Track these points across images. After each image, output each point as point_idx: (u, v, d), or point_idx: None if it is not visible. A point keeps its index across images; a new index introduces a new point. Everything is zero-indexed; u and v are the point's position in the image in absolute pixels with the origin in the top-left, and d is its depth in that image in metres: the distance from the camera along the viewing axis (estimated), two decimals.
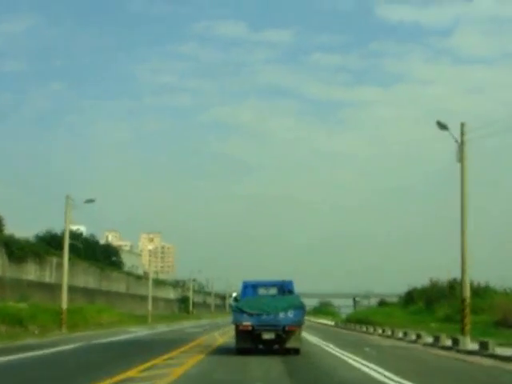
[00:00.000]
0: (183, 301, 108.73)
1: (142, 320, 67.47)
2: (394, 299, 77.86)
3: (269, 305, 21.28)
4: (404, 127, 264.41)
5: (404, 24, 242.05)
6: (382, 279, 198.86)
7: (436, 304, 50.73)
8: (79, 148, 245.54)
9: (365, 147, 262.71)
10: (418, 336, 32.68)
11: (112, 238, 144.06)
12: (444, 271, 55.83)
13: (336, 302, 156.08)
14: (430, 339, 30.91)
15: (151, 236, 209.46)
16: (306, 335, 36.50)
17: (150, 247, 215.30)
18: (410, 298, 61.93)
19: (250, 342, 21.54)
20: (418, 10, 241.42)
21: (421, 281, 62.57)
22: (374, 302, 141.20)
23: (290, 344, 21.48)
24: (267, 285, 23.71)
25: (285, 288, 22.99)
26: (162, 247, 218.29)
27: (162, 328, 53.35)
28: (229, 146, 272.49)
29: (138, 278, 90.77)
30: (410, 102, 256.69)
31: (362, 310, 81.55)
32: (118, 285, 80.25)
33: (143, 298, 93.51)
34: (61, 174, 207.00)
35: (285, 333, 21.14)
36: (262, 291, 23.27)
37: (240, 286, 23.68)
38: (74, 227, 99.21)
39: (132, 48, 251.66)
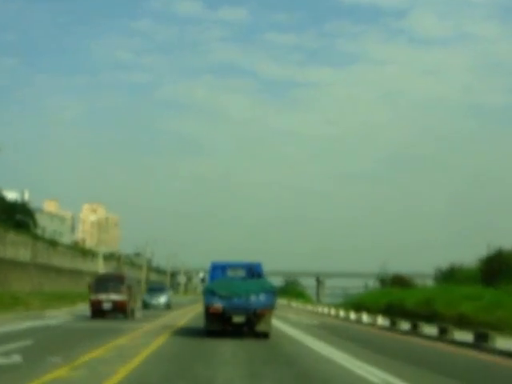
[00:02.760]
0: None
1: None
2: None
3: (240, 287, 21.04)
4: (359, 107, 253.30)
5: (360, 4, 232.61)
6: (345, 258, 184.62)
7: None
8: (31, 122, 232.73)
9: (319, 127, 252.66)
10: None
11: (48, 206, 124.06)
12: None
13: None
14: None
15: (94, 207, 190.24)
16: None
17: (93, 218, 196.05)
18: (494, 269, 33.82)
19: (219, 325, 21.27)
20: None
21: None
22: (338, 282, 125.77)
23: (260, 328, 21.25)
24: (236, 266, 23.34)
25: (254, 270, 22.80)
26: (106, 218, 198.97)
27: None
28: (182, 124, 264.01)
29: (52, 244, 71.08)
30: (365, 83, 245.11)
31: (381, 291, 50.80)
32: (18, 251, 60.79)
33: (59, 271, 74.65)
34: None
35: (255, 316, 20.94)
36: (230, 273, 22.93)
37: (208, 267, 23.25)
38: (10, 194, 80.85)
39: (88, 23, 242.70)
